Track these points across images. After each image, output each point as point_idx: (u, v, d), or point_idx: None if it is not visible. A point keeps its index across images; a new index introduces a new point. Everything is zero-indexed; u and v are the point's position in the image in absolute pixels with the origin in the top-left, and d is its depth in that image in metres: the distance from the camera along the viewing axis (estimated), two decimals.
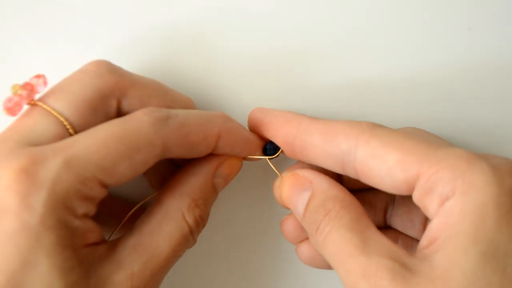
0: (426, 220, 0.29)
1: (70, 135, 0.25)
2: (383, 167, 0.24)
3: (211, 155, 0.28)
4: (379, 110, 0.32)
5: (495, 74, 0.32)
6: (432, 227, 0.23)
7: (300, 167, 0.29)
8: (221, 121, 0.27)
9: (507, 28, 0.31)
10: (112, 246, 0.25)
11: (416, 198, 0.24)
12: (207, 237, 0.32)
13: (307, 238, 0.29)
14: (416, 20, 0.31)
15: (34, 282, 0.21)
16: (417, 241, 0.29)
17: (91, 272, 0.23)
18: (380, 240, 0.24)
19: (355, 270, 0.23)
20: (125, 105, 0.27)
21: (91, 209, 0.23)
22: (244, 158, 0.30)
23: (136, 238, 0.25)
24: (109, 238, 0.28)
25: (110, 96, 0.26)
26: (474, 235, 0.22)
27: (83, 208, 0.23)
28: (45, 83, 0.26)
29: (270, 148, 0.29)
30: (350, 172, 0.26)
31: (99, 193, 0.23)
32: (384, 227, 0.31)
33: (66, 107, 0.25)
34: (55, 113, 0.25)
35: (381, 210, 0.31)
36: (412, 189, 0.24)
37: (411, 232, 0.30)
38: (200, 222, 0.27)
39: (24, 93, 0.26)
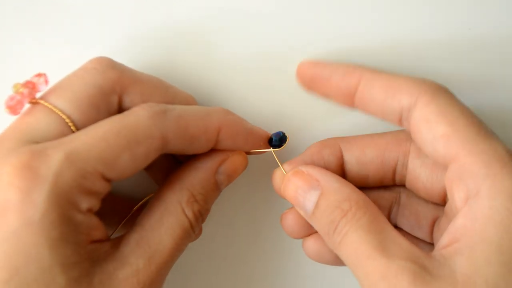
0: (434, 223, 0.29)
1: (72, 132, 0.25)
2: (429, 135, 0.25)
3: (214, 151, 0.28)
4: None
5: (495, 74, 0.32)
6: (455, 227, 0.23)
7: (302, 162, 0.29)
8: (221, 114, 0.27)
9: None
10: (115, 243, 0.25)
11: (447, 178, 0.24)
12: (208, 235, 0.32)
13: (312, 233, 0.29)
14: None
15: (37, 277, 0.21)
16: (423, 241, 0.30)
17: (95, 269, 0.23)
18: (399, 241, 0.24)
19: (374, 272, 0.23)
20: (127, 101, 0.27)
21: (94, 204, 0.23)
22: (249, 153, 0.29)
23: (139, 234, 0.25)
24: (111, 235, 0.28)
25: (112, 93, 0.26)
26: (499, 244, 0.22)
27: (86, 202, 0.23)
28: (46, 81, 0.26)
29: (275, 139, 0.29)
30: (405, 126, 0.27)
31: (102, 187, 0.23)
32: None
33: (67, 104, 0.25)
34: (57, 111, 0.25)
35: (385, 209, 0.31)
36: (447, 167, 0.24)
37: (418, 234, 0.30)
38: (199, 217, 0.27)
39: (25, 91, 0.26)
